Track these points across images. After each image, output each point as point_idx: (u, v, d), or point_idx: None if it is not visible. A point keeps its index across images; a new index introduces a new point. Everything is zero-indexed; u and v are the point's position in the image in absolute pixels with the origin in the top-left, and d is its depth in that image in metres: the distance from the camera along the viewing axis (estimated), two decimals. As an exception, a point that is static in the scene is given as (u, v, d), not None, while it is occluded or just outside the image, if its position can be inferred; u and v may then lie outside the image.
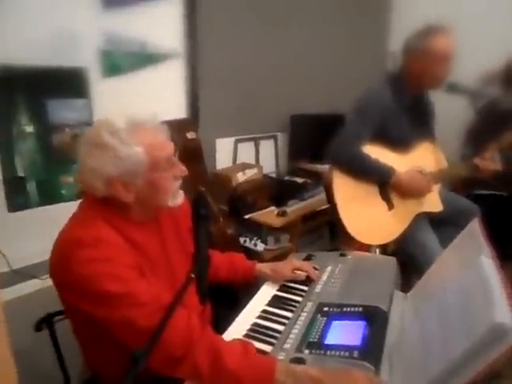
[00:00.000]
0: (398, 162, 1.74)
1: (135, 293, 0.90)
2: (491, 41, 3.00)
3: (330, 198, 1.73)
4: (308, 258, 1.56)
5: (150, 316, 0.86)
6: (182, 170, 1.05)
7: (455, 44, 1.68)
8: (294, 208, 2.32)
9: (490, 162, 1.74)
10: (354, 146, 1.68)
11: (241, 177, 2.30)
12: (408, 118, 1.77)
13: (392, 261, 1.47)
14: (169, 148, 1.03)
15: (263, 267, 1.40)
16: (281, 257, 2.25)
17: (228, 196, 2.23)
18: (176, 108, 2.25)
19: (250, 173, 2.37)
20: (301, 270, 1.37)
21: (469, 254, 0.92)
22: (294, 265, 1.38)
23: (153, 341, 0.74)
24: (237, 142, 2.61)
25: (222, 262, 1.41)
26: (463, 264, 0.93)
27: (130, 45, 1.99)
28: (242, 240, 2.21)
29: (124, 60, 2.00)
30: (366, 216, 1.74)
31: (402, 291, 1.26)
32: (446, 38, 1.66)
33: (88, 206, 1.01)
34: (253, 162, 2.74)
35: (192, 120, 2.23)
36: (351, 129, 1.71)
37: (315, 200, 2.43)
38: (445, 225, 1.93)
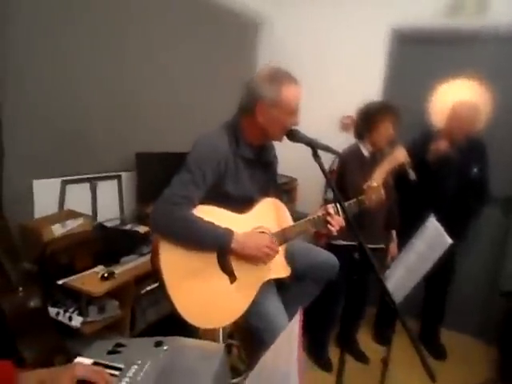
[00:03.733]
0: (238, 224, 1.47)
1: None
2: (348, 90, 3.12)
3: (158, 275, 1.38)
4: (114, 351, 1.20)
5: None
6: None
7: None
8: (127, 267, 1.91)
9: (336, 217, 1.60)
10: (183, 210, 1.37)
11: (58, 229, 1.82)
12: (248, 172, 1.53)
13: (219, 350, 1.19)
14: None
15: (30, 379, 0.98)
16: (104, 330, 1.82)
17: (37, 256, 1.74)
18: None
19: (73, 223, 1.91)
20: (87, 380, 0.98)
21: (284, 361, 0.80)
22: (76, 373, 0.98)
23: None
24: (65, 183, 2.13)
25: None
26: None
27: None
28: (54, 312, 1.72)
29: None
30: (204, 295, 1.42)
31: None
32: (297, 88, 1.48)
33: None
34: (88, 207, 2.28)
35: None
36: (179, 189, 1.39)
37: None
38: (304, 280, 1.75)
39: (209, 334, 1.91)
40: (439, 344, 2.85)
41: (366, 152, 2.32)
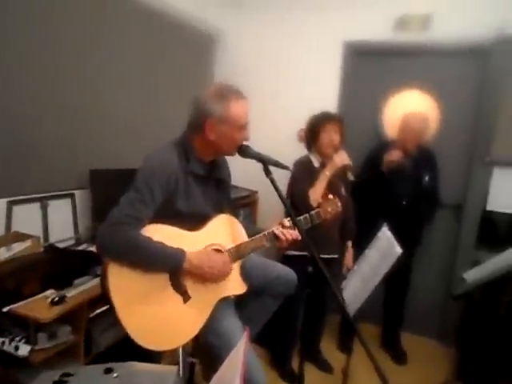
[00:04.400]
0: (190, 242, 1.45)
1: None
2: (305, 103, 3.17)
3: (108, 298, 1.33)
4: (60, 382, 1.15)
5: None
6: None
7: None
8: (80, 289, 1.84)
9: (289, 229, 1.61)
10: (131, 231, 1.33)
11: (3, 253, 1.73)
12: (200, 189, 1.52)
13: (171, 373, 1.16)
14: None
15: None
16: (56, 358, 1.73)
17: (-20, 282, 1.64)
18: None
19: (20, 246, 1.81)
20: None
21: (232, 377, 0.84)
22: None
23: None
24: (11, 204, 2.03)
25: None
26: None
27: None
28: (-1, 342, 1.63)
29: None
30: (156, 316, 1.38)
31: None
32: (245, 103, 1.49)
33: None
34: (39, 228, 2.18)
35: None
36: (127, 208, 1.35)
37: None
38: (261, 296, 1.74)
39: (169, 353, 1.86)
40: (400, 348, 2.91)
41: (316, 163, 2.36)
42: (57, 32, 2.12)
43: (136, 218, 1.34)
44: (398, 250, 1.50)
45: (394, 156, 2.47)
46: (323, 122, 2.30)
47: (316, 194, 2.12)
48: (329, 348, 2.84)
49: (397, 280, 2.69)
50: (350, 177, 2.20)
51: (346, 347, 2.74)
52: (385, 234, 1.64)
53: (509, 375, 2.22)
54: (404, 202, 2.63)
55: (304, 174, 2.28)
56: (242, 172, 2.42)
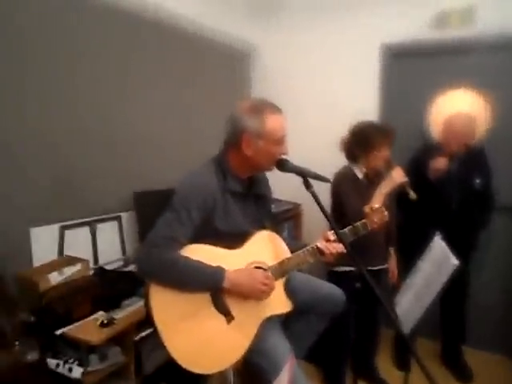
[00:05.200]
0: (231, 260, 1.43)
1: None
2: (346, 109, 3.09)
3: (151, 320, 1.33)
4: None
5: None
6: None
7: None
8: (129, 310, 1.86)
9: (334, 243, 1.54)
10: (168, 252, 1.33)
11: (55, 278, 1.79)
12: (239, 206, 1.49)
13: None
14: None
15: None
16: (107, 379, 1.75)
17: (34, 306, 1.70)
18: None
19: (71, 270, 1.87)
20: None
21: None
22: None
23: None
24: (63, 229, 2.12)
25: None
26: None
27: None
28: (54, 364, 1.67)
29: None
30: (200, 338, 1.37)
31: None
32: (281, 117, 1.46)
33: None
34: (89, 251, 2.26)
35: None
36: (164, 230, 1.35)
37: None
38: (308, 314, 1.69)
39: (218, 373, 1.83)
40: (464, 364, 2.71)
41: (360, 174, 2.24)
42: (94, 62, 2.21)
43: (172, 239, 1.34)
44: (455, 261, 1.38)
45: (439, 164, 2.32)
46: (384, 138, 2.13)
47: None
48: (385, 366, 2.69)
49: (453, 290, 2.50)
50: (413, 195, 2.05)
51: (403, 364, 2.58)
52: (438, 243, 1.53)
53: None
54: (454, 207, 2.46)
55: (351, 188, 2.17)
56: (284, 185, 2.38)
